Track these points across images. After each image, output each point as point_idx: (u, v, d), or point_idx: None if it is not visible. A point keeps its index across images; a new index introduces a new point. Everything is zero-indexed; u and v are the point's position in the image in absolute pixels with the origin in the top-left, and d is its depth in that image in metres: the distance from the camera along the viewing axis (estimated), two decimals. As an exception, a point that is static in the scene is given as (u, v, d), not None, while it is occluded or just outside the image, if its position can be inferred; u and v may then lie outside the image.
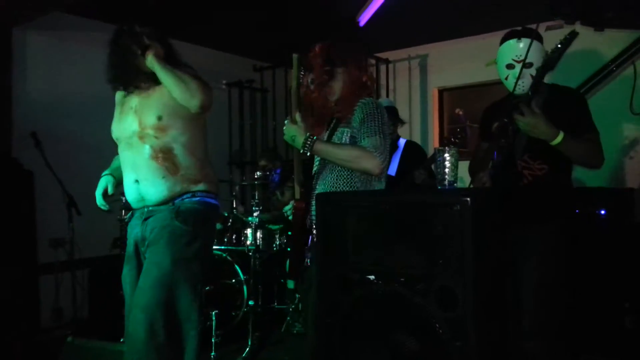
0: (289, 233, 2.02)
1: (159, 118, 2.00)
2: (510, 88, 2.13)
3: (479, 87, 4.87)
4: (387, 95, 5.25)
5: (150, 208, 2.03)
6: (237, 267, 3.70)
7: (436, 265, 1.43)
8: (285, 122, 2.04)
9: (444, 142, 3.28)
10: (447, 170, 1.68)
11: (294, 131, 2.00)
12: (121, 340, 2.85)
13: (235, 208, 4.20)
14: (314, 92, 2.06)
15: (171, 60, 2.06)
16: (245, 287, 3.62)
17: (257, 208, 3.59)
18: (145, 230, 2.02)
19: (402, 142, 3.43)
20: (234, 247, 3.69)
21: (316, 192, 2.06)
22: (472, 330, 1.38)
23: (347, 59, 2.04)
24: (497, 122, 2.16)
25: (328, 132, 2.11)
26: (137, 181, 2.01)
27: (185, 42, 5.03)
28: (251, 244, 3.52)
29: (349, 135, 2.01)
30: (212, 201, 2.09)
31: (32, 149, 3.56)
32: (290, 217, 2.15)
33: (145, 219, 2.03)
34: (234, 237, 3.74)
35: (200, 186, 2.05)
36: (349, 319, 1.62)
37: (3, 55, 3.80)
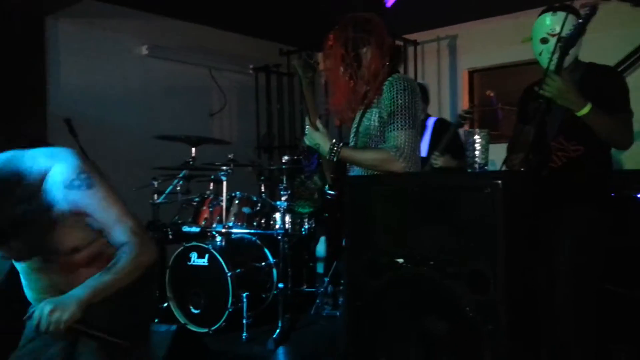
0: (326, 215, 2.05)
1: (76, 250, 1.59)
2: (544, 64, 2.07)
3: (511, 67, 4.75)
4: (415, 78, 5.18)
5: None
6: (266, 250, 3.75)
7: (467, 248, 1.42)
8: (306, 127, 2.02)
9: (458, 120, 3.26)
10: (477, 152, 1.65)
11: (317, 139, 1.98)
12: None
13: (264, 192, 4.24)
14: (348, 80, 2.00)
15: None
16: (274, 270, 3.67)
17: (285, 192, 3.62)
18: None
19: (430, 121, 3.40)
20: (262, 231, 3.73)
21: (349, 175, 2.06)
22: (504, 313, 1.37)
23: (369, 37, 1.97)
24: (533, 103, 2.12)
25: (360, 114, 2.08)
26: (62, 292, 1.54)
27: (212, 28, 5.08)
28: (280, 227, 3.55)
29: (377, 116, 1.97)
30: None
31: (66, 136, 3.66)
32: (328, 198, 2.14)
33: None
34: (262, 221, 3.78)
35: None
36: (377, 302, 1.63)
37: (37, 44, 3.89)
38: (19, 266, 1.65)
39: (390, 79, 1.96)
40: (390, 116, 1.91)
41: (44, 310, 1.40)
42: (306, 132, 2.02)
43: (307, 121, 2.04)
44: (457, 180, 1.55)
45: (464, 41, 5.15)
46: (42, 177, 1.48)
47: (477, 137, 1.65)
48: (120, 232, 1.56)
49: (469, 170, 1.67)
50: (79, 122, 3.75)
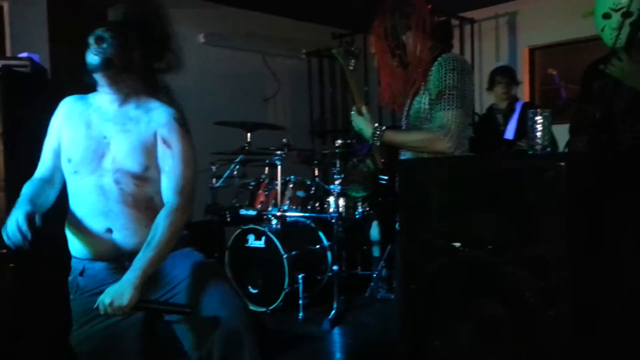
0: (379, 199, 2.06)
1: (146, 168, 1.71)
2: (606, 41, 1.97)
3: (574, 44, 4.53)
4: (472, 58, 5.02)
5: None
6: (320, 233, 3.80)
7: (527, 232, 1.39)
8: (352, 113, 2.04)
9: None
10: (539, 134, 1.60)
11: (360, 123, 2.00)
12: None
13: (318, 176, 4.28)
14: (396, 66, 1.98)
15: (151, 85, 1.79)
16: (329, 253, 3.72)
17: (338, 176, 3.64)
18: (161, 279, 1.74)
19: (519, 105, 3.44)
20: (317, 215, 3.78)
21: (401, 158, 2.05)
22: (565, 299, 1.33)
23: (408, 22, 1.93)
24: (598, 81, 2.02)
25: (410, 100, 2.07)
26: (109, 230, 1.69)
27: (265, 14, 5.13)
28: (334, 211, 3.58)
29: (427, 98, 1.94)
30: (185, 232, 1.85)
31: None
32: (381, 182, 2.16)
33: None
34: (316, 204, 3.82)
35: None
36: (432, 285, 1.62)
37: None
38: (78, 186, 1.71)
39: (439, 59, 1.91)
40: (438, 96, 1.87)
41: (104, 302, 1.53)
42: (352, 118, 2.04)
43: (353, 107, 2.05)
44: (519, 163, 1.51)
45: (524, 18, 4.94)
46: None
47: (538, 118, 1.60)
48: (173, 183, 1.71)
49: (531, 152, 1.63)
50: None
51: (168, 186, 1.72)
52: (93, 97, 1.77)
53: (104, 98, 1.74)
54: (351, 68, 2.02)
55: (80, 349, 1.72)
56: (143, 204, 1.71)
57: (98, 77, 1.69)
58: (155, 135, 1.73)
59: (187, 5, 4.60)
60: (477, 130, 3.97)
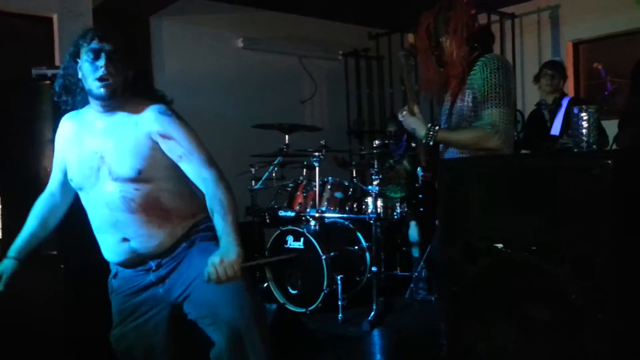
0: (420, 196, 2.07)
1: (141, 171, 1.67)
2: None
3: (621, 36, 4.35)
4: (513, 54, 4.91)
5: (162, 261, 1.75)
6: (359, 234, 3.79)
7: (572, 233, 1.35)
8: (404, 113, 2.08)
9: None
10: (584, 131, 1.55)
11: (412, 123, 2.04)
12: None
13: (356, 177, 4.28)
14: (435, 65, 2.05)
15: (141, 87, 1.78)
16: (367, 254, 3.71)
17: (376, 177, 3.63)
18: (178, 278, 1.75)
19: (565, 100, 3.41)
20: (355, 216, 3.78)
21: (443, 157, 2.07)
22: (611, 301, 1.29)
23: (447, 27, 1.99)
24: None
25: (450, 98, 2.09)
26: (125, 239, 1.70)
27: (301, 16, 5.17)
28: (372, 212, 3.57)
29: (470, 97, 1.99)
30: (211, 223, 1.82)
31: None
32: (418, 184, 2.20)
33: (160, 270, 1.75)
34: (354, 205, 3.82)
35: (199, 216, 1.79)
36: (475, 287, 1.60)
37: (143, 42, 4.22)
38: (86, 201, 1.75)
39: (483, 59, 1.98)
40: (484, 95, 1.93)
41: (214, 262, 1.52)
42: (401, 118, 2.08)
43: (405, 107, 2.09)
44: (563, 161, 1.47)
45: (567, 11, 4.78)
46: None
47: (583, 115, 1.55)
48: (199, 160, 1.67)
49: (576, 150, 1.58)
50: (182, 114, 4.02)
51: (195, 167, 1.68)
52: (85, 112, 1.76)
53: (92, 114, 1.73)
54: (411, 65, 2.08)
55: (117, 347, 1.79)
56: (149, 206, 1.69)
57: (92, 99, 1.69)
58: (148, 136, 1.68)
59: (226, 11, 4.69)
60: (527, 127, 3.93)
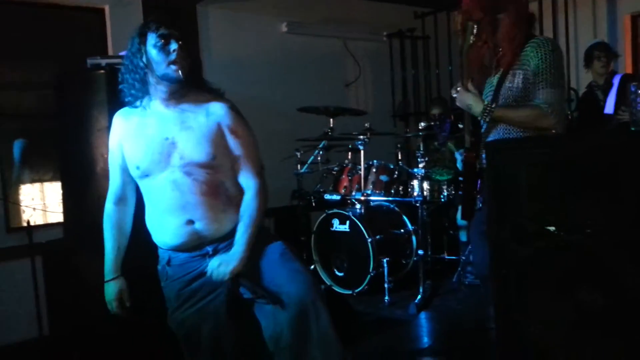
0: (460, 179, 2.05)
1: (214, 157, 1.77)
2: None
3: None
4: (567, 30, 4.69)
5: (219, 246, 1.82)
6: (405, 217, 3.78)
7: (628, 216, 1.30)
8: (458, 89, 2.06)
9: None
10: (643, 109, 1.48)
11: (468, 99, 2.02)
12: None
13: (401, 160, 4.24)
14: (480, 47, 2.02)
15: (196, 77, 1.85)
16: (414, 237, 3.69)
17: (422, 159, 3.59)
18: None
19: (617, 78, 3.40)
20: (400, 199, 3.76)
21: (487, 139, 2.03)
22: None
23: (507, 4, 1.97)
24: None
25: (497, 78, 2.06)
26: (190, 222, 1.76)
27: (344, -3, 5.11)
28: (418, 195, 3.54)
29: (521, 77, 1.98)
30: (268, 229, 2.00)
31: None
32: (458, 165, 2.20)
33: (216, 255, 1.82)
34: (400, 188, 3.80)
35: None
36: (526, 270, 1.57)
37: (191, 30, 4.29)
38: (152, 186, 1.80)
39: (536, 40, 1.98)
40: (539, 75, 1.94)
41: (214, 264, 1.73)
42: (455, 94, 2.07)
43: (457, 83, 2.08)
44: (618, 141, 1.41)
45: (626, -19, 4.52)
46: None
47: (642, 92, 1.48)
48: (250, 168, 1.82)
49: (633, 129, 1.51)
50: (229, 98, 4.10)
51: (246, 171, 1.82)
52: (145, 104, 1.81)
53: (157, 103, 1.80)
54: (471, 41, 2.04)
55: (178, 332, 1.86)
56: (216, 190, 1.78)
57: (161, 86, 1.76)
58: (218, 126, 1.78)
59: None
60: (580, 109, 3.86)
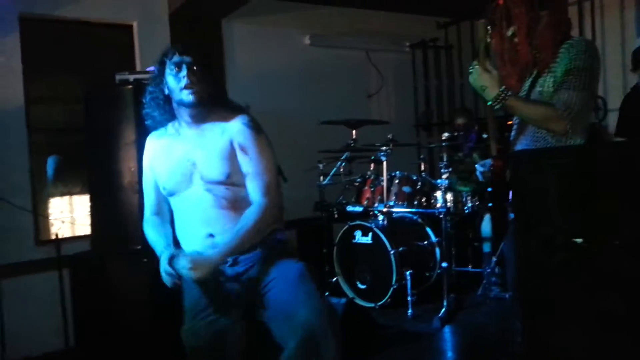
0: (489, 190, 1.99)
1: (228, 176, 1.84)
2: None
3: None
4: (593, 37, 4.61)
5: (238, 257, 1.85)
6: (428, 229, 3.74)
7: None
8: (475, 67, 1.88)
9: None
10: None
11: (485, 80, 1.86)
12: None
13: (424, 171, 4.21)
14: (518, 43, 1.92)
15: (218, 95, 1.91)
16: (437, 249, 3.65)
17: (445, 170, 3.55)
18: (254, 277, 1.86)
19: None
20: (424, 210, 3.72)
21: (516, 148, 1.97)
22: None
23: (550, 3, 1.87)
24: None
25: (530, 81, 1.98)
26: (211, 235, 1.84)
27: (367, 10, 5.14)
28: (441, 206, 3.50)
29: (552, 81, 1.86)
30: (283, 237, 1.99)
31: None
32: (480, 178, 2.12)
33: (236, 267, 1.86)
34: (423, 200, 3.76)
35: (274, 225, 1.94)
36: (553, 283, 1.53)
37: (216, 44, 4.38)
38: (177, 203, 1.90)
39: (570, 41, 1.87)
40: (564, 75, 1.82)
41: (183, 264, 1.75)
42: (472, 71, 1.89)
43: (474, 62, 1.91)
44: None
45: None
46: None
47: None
48: (256, 186, 1.85)
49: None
50: (253, 113, 4.14)
51: (254, 189, 1.86)
52: (172, 126, 1.92)
53: (184, 125, 1.90)
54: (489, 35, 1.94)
55: (189, 344, 1.85)
56: (235, 204, 1.85)
57: (182, 111, 1.85)
58: (231, 143, 1.85)
59: (293, 9, 4.76)
60: (623, 113, 3.75)
